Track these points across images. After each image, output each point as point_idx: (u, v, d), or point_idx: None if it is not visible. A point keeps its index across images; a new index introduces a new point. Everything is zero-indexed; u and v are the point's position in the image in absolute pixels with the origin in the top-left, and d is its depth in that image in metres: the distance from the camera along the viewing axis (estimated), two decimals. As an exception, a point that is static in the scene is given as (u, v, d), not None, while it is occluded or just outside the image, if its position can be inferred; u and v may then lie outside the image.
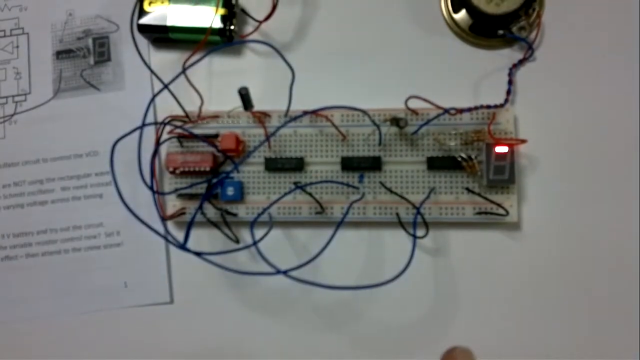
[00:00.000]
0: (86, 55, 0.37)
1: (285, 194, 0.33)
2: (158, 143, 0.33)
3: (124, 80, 0.37)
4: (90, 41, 0.37)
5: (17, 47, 0.38)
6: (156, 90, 0.30)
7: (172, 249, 0.35)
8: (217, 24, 0.34)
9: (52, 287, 0.35)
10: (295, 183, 0.33)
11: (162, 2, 0.35)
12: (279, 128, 0.32)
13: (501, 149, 0.32)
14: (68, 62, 0.37)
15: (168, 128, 0.34)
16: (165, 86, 0.31)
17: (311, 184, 0.33)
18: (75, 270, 0.35)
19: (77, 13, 0.38)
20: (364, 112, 0.32)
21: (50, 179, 0.36)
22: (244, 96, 0.31)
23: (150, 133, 0.33)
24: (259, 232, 0.30)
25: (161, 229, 0.29)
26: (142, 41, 0.36)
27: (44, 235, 0.36)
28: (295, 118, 0.32)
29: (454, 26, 0.35)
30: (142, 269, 0.35)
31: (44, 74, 0.37)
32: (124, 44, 0.37)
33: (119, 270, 0.35)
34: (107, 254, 0.35)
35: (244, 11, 0.36)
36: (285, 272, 0.27)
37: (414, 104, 0.32)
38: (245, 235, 0.34)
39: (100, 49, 0.37)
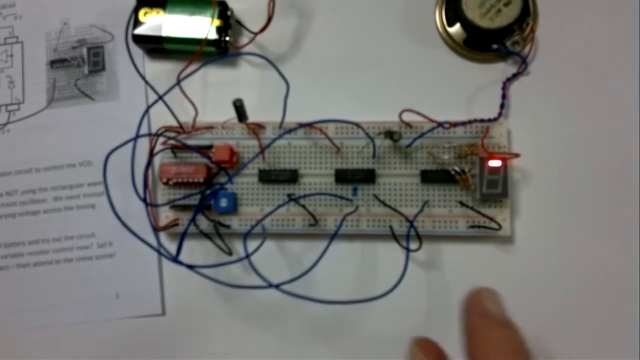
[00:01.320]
0: (80, 65, 0.37)
1: (279, 206, 0.33)
2: (152, 154, 0.33)
3: (118, 91, 0.37)
4: (84, 51, 0.37)
5: (11, 55, 0.38)
6: (150, 101, 0.30)
7: (165, 260, 0.34)
8: (212, 35, 0.34)
9: (43, 298, 0.35)
10: (289, 195, 0.33)
11: (158, 13, 0.35)
12: (273, 140, 0.32)
13: (494, 163, 0.32)
14: (62, 71, 0.37)
15: (162, 139, 0.34)
16: (160, 97, 0.31)
17: (305, 196, 0.33)
18: (67, 281, 0.35)
19: (72, 22, 0.38)
20: (358, 125, 0.32)
21: (43, 189, 0.36)
22: (239, 108, 0.31)
23: (144, 144, 0.33)
24: (252, 244, 0.30)
25: (154, 241, 0.29)
26: (137, 51, 0.36)
27: (35, 245, 0.36)
28: (289, 131, 0.32)
29: (449, 40, 0.35)
30: (134, 281, 0.35)
31: (38, 83, 0.37)
32: (119, 54, 0.37)
33: (111, 282, 0.35)
34: (99, 264, 0.35)
35: (239, 22, 0.36)
36: (277, 286, 0.27)
37: (408, 117, 0.32)
38: (238, 247, 0.34)
39: (94, 59, 0.37)
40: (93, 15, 0.38)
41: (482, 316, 0.22)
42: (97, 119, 0.36)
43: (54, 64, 0.37)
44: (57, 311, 0.35)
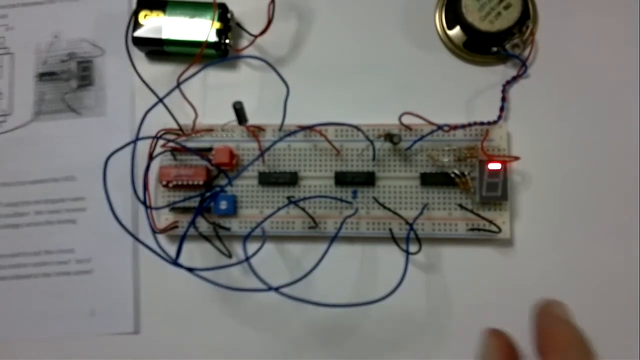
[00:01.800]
0: (69, 79, 0.37)
1: (279, 208, 0.33)
2: (151, 157, 0.33)
3: (105, 106, 0.36)
4: (74, 64, 0.37)
5: (1, 66, 0.37)
6: (150, 103, 0.30)
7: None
8: (213, 37, 0.34)
9: (20, 312, 0.35)
10: (288, 197, 0.33)
11: (157, 15, 0.35)
12: (274, 143, 0.31)
13: (494, 166, 0.32)
14: (51, 84, 0.37)
15: (162, 141, 0.34)
16: (160, 100, 0.31)
17: (305, 198, 0.33)
18: (44, 296, 0.35)
19: (63, 36, 0.37)
20: (358, 128, 0.32)
21: (26, 202, 0.36)
22: (239, 110, 0.31)
23: (142, 147, 0.33)
24: (251, 246, 0.30)
25: (153, 244, 0.29)
26: (126, 66, 0.36)
27: (15, 258, 0.35)
28: (290, 134, 0.32)
29: (448, 42, 0.35)
30: (110, 297, 0.35)
31: (26, 95, 0.37)
32: (108, 69, 0.37)
33: (88, 298, 0.35)
34: (77, 280, 0.35)
35: (239, 25, 0.36)
36: (277, 289, 0.27)
37: (407, 119, 0.32)
38: (238, 250, 0.34)
39: (83, 73, 0.37)
40: (84, 29, 0.37)
41: (552, 316, 0.24)
42: (82, 134, 0.36)
43: (43, 76, 0.37)
44: (34, 325, 0.35)
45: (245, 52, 0.36)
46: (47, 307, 0.35)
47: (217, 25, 0.34)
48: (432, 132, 0.32)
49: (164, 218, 0.34)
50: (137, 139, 0.29)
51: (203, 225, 0.33)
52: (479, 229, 0.32)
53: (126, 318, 0.34)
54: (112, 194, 0.27)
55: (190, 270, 0.28)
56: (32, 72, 0.37)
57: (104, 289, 0.35)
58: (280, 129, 0.34)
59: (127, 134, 0.36)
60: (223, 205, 0.33)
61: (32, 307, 0.35)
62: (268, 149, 0.33)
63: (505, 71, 0.35)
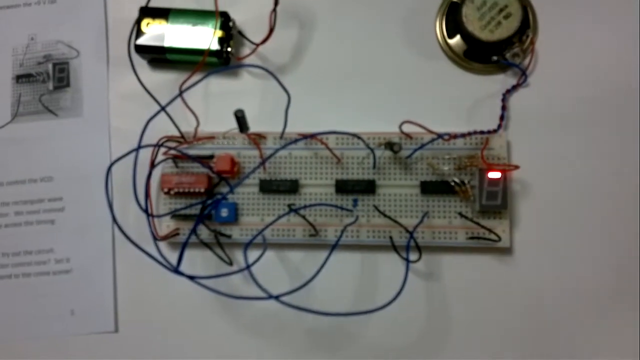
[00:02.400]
0: (45, 80, 0.37)
1: (280, 216, 0.33)
2: (153, 164, 0.33)
3: (82, 107, 0.37)
4: (50, 66, 0.37)
5: None
6: (152, 111, 0.30)
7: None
8: (214, 46, 0.34)
9: (0, 312, 0.35)
10: (289, 205, 0.33)
11: (160, 23, 0.35)
12: (276, 151, 0.32)
13: (494, 175, 0.32)
14: (27, 86, 0.37)
15: (163, 149, 0.34)
16: (162, 108, 0.31)
17: (306, 206, 0.33)
18: (24, 296, 0.35)
19: (39, 38, 0.38)
20: (358, 136, 0.32)
21: (5, 203, 0.36)
22: (240, 119, 0.31)
23: (142, 154, 0.33)
24: (252, 254, 0.30)
25: (154, 251, 0.29)
26: (103, 69, 0.36)
27: None
28: (291, 142, 0.32)
29: (449, 51, 0.35)
30: (89, 297, 0.35)
31: (3, 97, 0.37)
32: (84, 71, 0.37)
33: (67, 298, 0.35)
34: (56, 280, 0.35)
35: (241, 33, 0.36)
36: (277, 297, 0.27)
37: (408, 128, 0.32)
38: (238, 257, 0.34)
39: (60, 75, 0.37)
40: (60, 31, 0.38)
41: None
42: (59, 135, 0.37)
43: (20, 78, 0.38)
44: (13, 326, 0.35)
45: (247, 61, 0.36)
46: (27, 306, 0.35)
47: (219, 33, 0.34)
48: (432, 140, 0.33)
49: (165, 225, 0.34)
50: (140, 147, 0.29)
51: (204, 232, 0.34)
52: (478, 238, 0.32)
53: (106, 317, 0.34)
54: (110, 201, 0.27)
55: (191, 278, 0.28)
56: (9, 74, 0.38)
57: (84, 288, 0.35)
58: (281, 137, 0.34)
59: (103, 134, 0.36)
60: (224, 212, 0.33)
61: (11, 307, 0.35)
62: (269, 157, 0.33)
63: (505, 80, 0.35)
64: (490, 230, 0.32)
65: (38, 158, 0.36)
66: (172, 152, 0.34)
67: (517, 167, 0.32)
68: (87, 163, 0.36)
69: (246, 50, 0.36)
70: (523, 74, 0.34)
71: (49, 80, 0.37)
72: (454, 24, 0.35)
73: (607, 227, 0.33)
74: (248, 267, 0.28)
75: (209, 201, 0.33)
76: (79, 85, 0.37)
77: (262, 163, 0.33)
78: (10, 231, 0.36)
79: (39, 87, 0.37)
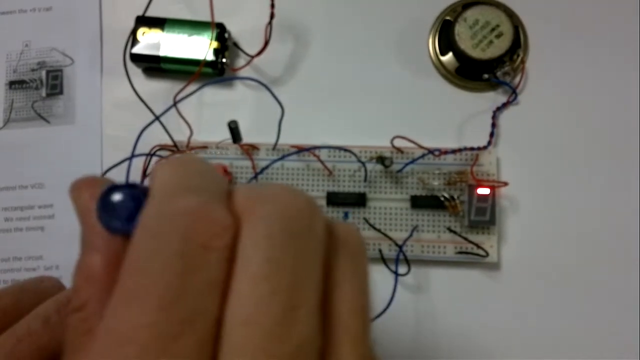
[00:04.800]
0: (39, 87, 0.37)
1: (270, 227, 0.33)
2: (145, 173, 0.33)
3: (74, 115, 0.37)
4: (43, 73, 0.37)
5: None
6: (146, 119, 0.30)
7: None
8: (210, 56, 0.35)
9: None
10: (280, 216, 0.33)
11: (156, 32, 0.35)
12: (272, 162, 0.32)
13: (483, 191, 0.32)
14: (20, 92, 0.37)
15: (156, 158, 0.34)
16: (157, 118, 0.31)
17: (296, 218, 0.33)
18: None
19: (34, 44, 0.38)
20: (350, 151, 0.33)
21: None
22: (233, 130, 0.31)
23: (134, 162, 0.34)
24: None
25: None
26: (96, 75, 0.37)
27: None
28: (285, 156, 0.32)
29: (441, 68, 0.36)
30: None
31: None
32: (78, 78, 0.37)
33: None
34: None
35: (236, 45, 0.36)
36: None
37: (399, 143, 0.33)
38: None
39: (53, 82, 0.37)
40: (55, 38, 0.38)
41: None
42: (51, 142, 0.37)
43: (13, 84, 0.38)
44: None
45: (242, 72, 0.36)
46: None
47: (214, 44, 0.35)
48: (423, 155, 0.33)
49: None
50: (133, 155, 0.30)
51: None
52: (467, 252, 0.33)
53: None
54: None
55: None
56: (2, 80, 0.38)
57: None
58: (274, 148, 0.34)
59: (96, 142, 0.36)
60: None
61: None
62: (265, 168, 0.33)
63: (496, 98, 0.36)
64: (478, 246, 0.32)
65: (29, 165, 0.36)
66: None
67: (506, 183, 0.33)
68: (78, 171, 0.35)
69: (241, 61, 0.37)
70: (513, 92, 0.35)
71: (42, 87, 0.37)
72: (447, 42, 0.36)
73: (594, 243, 0.34)
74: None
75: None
76: (72, 92, 0.37)
77: (256, 176, 0.34)
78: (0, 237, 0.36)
79: (32, 94, 0.37)
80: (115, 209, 0.15)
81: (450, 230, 0.33)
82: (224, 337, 0.12)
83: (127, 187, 0.15)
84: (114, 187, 0.15)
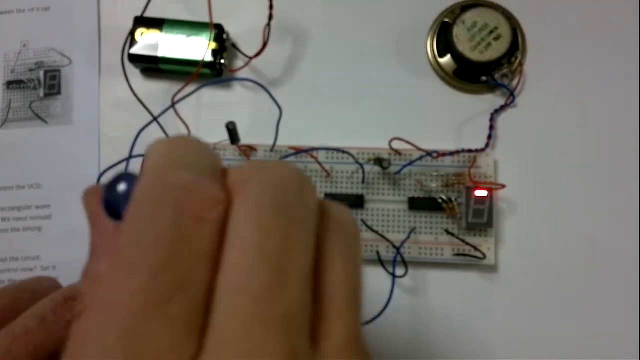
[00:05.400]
0: (37, 87, 0.37)
1: (268, 228, 0.33)
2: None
3: (72, 115, 0.37)
4: (41, 73, 0.37)
5: None
6: (144, 120, 0.30)
7: None
8: (208, 57, 0.35)
9: None
10: (278, 218, 0.33)
11: (154, 33, 0.35)
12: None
13: (481, 193, 0.32)
14: (18, 92, 0.37)
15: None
16: (155, 119, 0.31)
17: (294, 219, 0.33)
18: None
19: (32, 44, 0.38)
20: (348, 152, 0.33)
21: None
22: (232, 131, 0.31)
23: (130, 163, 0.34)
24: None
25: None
26: (94, 76, 0.37)
27: None
28: (283, 157, 0.32)
29: (439, 70, 0.36)
30: None
31: None
32: (75, 79, 0.37)
33: None
34: None
35: (234, 46, 0.36)
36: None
37: (397, 145, 0.33)
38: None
39: (51, 82, 0.37)
40: (53, 38, 0.38)
41: None
42: (48, 142, 0.37)
43: (11, 84, 0.37)
44: None
45: (240, 73, 0.36)
46: None
47: (213, 45, 0.35)
48: (421, 157, 0.33)
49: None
50: (131, 156, 0.30)
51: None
52: (464, 255, 0.33)
53: None
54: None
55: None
56: (0, 80, 0.38)
57: None
58: (272, 150, 0.34)
59: (93, 143, 0.36)
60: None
61: None
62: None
63: (494, 100, 0.36)
64: (475, 248, 0.32)
65: (27, 165, 0.36)
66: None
67: (503, 186, 0.33)
68: (76, 171, 0.36)
69: (239, 62, 0.37)
70: (511, 95, 0.35)
71: (40, 87, 0.37)
72: (445, 44, 0.36)
73: (592, 246, 0.34)
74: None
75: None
76: (70, 93, 0.37)
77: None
78: None
79: (30, 94, 0.37)
80: (119, 197, 0.15)
81: (447, 232, 0.33)
82: (215, 304, 0.13)
83: (130, 176, 0.15)
84: (118, 177, 0.15)
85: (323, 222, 0.15)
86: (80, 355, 0.12)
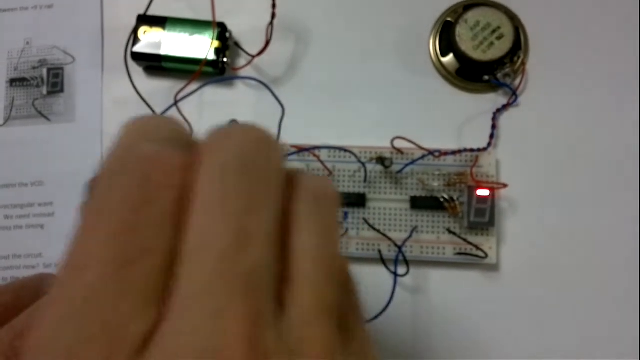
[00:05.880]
0: (40, 85, 0.37)
1: (270, 226, 0.33)
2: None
3: (74, 113, 0.37)
4: (45, 71, 0.38)
5: None
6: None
7: None
8: (211, 56, 0.35)
9: None
10: (280, 216, 0.34)
11: (157, 31, 0.35)
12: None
13: (483, 192, 0.32)
14: (21, 90, 0.37)
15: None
16: (157, 117, 0.31)
17: (296, 217, 0.33)
18: None
19: (35, 42, 0.38)
20: (350, 151, 0.33)
21: None
22: (234, 129, 0.31)
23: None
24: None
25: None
26: (97, 74, 0.37)
27: None
28: (286, 155, 0.32)
29: (442, 69, 0.36)
30: None
31: None
32: (78, 77, 0.37)
33: None
34: None
35: (237, 45, 0.36)
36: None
37: (399, 143, 0.33)
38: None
39: (54, 80, 0.37)
40: (56, 36, 0.38)
41: None
42: (51, 140, 0.37)
43: (14, 82, 0.38)
44: None
45: (243, 72, 0.36)
46: None
47: (216, 43, 0.35)
48: (423, 156, 0.33)
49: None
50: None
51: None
52: (466, 254, 0.33)
53: None
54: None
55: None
56: (3, 78, 0.38)
57: None
58: (274, 148, 0.34)
59: (95, 140, 0.36)
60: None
61: None
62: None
63: (496, 99, 0.36)
64: (477, 247, 0.32)
65: (29, 162, 0.36)
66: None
67: (505, 185, 0.33)
68: (78, 169, 0.36)
69: (242, 61, 0.37)
70: (513, 94, 0.35)
71: (43, 85, 0.37)
72: (448, 43, 0.36)
73: (593, 245, 0.34)
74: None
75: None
76: (73, 91, 0.37)
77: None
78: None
79: (33, 92, 0.37)
80: None
81: (449, 231, 0.33)
82: (180, 264, 0.13)
83: None
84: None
85: (295, 192, 0.15)
86: (39, 327, 0.12)
